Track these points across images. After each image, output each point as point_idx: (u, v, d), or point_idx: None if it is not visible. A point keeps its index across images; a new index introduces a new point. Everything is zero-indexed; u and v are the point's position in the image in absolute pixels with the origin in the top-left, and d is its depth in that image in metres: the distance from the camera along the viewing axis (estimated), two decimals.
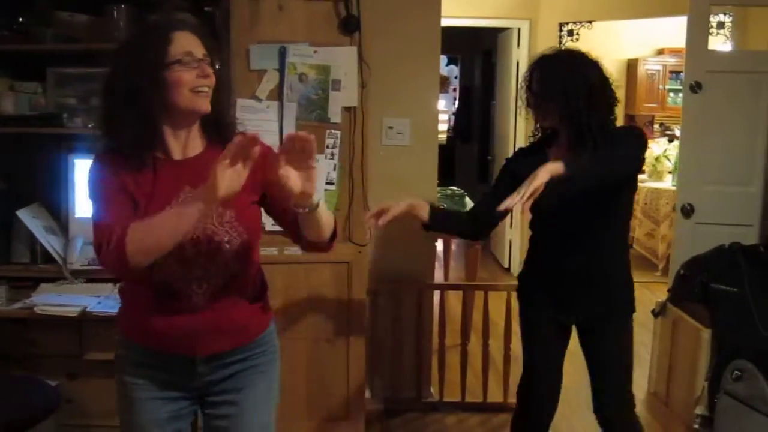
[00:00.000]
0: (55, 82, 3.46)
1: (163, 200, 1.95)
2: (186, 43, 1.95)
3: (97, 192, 1.97)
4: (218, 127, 2.06)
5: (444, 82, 11.64)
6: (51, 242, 3.42)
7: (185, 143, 2.03)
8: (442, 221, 2.89)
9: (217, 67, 2.01)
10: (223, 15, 3.28)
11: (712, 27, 5.79)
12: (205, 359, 2.08)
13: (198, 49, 1.96)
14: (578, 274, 2.80)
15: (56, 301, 3.20)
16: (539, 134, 2.87)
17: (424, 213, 2.77)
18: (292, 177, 1.80)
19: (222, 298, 2.04)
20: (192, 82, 1.93)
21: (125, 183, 1.95)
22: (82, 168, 3.48)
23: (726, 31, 6.12)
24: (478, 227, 2.95)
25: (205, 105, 1.97)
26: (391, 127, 3.99)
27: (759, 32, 4.93)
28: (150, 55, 1.91)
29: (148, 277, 1.96)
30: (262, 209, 2.13)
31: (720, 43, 6.12)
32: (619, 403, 2.96)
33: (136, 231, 1.82)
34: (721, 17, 5.99)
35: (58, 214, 3.55)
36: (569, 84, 2.61)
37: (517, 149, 2.98)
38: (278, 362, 2.25)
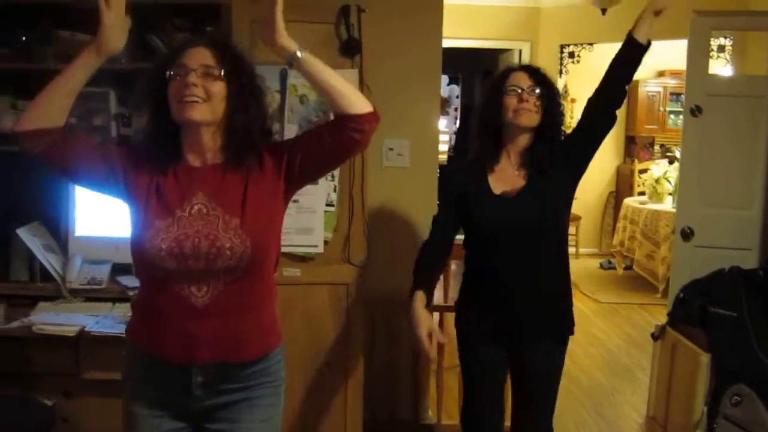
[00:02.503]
0: None
1: (174, 200, 2.04)
2: (187, 57, 2.01)
3: None
4: (232, 140, 2.07)
5: (444, 104, 11.65)
6: (50, 261, 3.42)
7: (203, 154, 2.08)
8: (431, 288, 2.84)
9: (222, 74, 2.02)
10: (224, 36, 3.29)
11: (712, 50, 5.82)
12: (202, 375, 2.07)
13: (196, 61, 2.01)
14: (523, 291, 2.77)
15: (54, 320, 3.20)
16: (481, 149, 2.85)
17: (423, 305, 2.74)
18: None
19: (223, 305, 2.04)
20: (178, 93, 1.99)
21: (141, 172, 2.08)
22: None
23: (726, 55, 6.14)
24: (445, 256, 2.93)
25: (192, 113, 1.99)
26: (391, 149, 4.00)
27: (758, 56, 4.96)
28: (157, 73, 2.04)
29: (150, 273, 2.04)
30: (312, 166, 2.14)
31: (720, 66, 6.14)
32: None
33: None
34: (722, 41, 6.02)
35: (58, 232, 3.56)
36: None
37: (452, 163, 2.95)
38: (282, 397, 2.24)
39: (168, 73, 2.01)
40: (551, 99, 2.79)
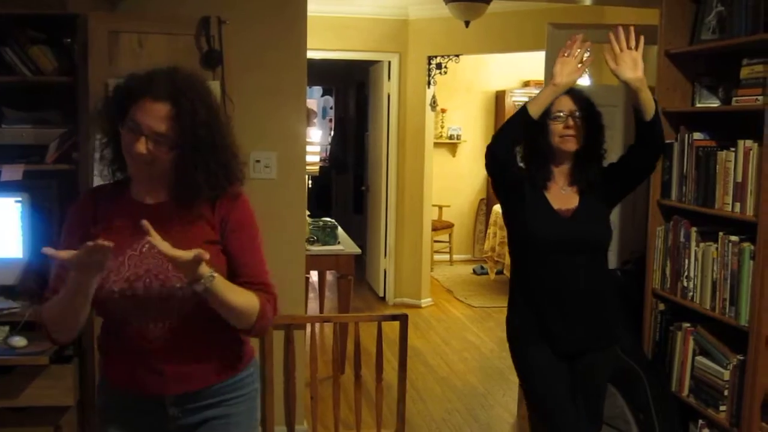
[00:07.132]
0: None
1: (125, 239, 2.00)
2: (142, 113, 1.93)
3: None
4: (180, 183, 2.03)
5: (310, 116, 11.69)
6: None
7: (154, 191, 2.07)
8: None
9: (171, 143, 1.96)
10: (81, 48, 3.21)
11: None
12: (175, 400, 2.09)
13: (149, 124, 1.93)
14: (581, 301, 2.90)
15: None
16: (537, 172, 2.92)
17: None
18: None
19: (183, 340, 2.05)
20: (127, 146, 1.97)
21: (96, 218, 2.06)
22: None
23: None
24: None
25: (138, 171, 2.02)
26: (258, 161, 3.98)
27: None
28: (113, 107, 2.01)
29: (108, 314, 2.06)
30: None
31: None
32: None
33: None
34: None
35: None
36: None
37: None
38: (257, 411, 2.27)
39: (121, 122, 1.96)
40: (593, 120, 2.86)
